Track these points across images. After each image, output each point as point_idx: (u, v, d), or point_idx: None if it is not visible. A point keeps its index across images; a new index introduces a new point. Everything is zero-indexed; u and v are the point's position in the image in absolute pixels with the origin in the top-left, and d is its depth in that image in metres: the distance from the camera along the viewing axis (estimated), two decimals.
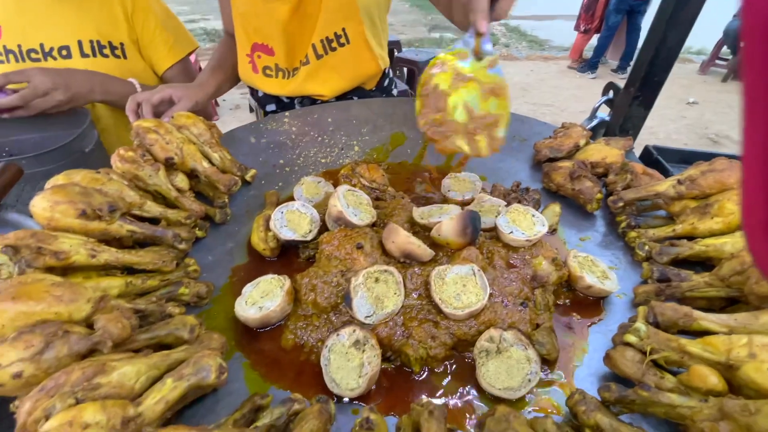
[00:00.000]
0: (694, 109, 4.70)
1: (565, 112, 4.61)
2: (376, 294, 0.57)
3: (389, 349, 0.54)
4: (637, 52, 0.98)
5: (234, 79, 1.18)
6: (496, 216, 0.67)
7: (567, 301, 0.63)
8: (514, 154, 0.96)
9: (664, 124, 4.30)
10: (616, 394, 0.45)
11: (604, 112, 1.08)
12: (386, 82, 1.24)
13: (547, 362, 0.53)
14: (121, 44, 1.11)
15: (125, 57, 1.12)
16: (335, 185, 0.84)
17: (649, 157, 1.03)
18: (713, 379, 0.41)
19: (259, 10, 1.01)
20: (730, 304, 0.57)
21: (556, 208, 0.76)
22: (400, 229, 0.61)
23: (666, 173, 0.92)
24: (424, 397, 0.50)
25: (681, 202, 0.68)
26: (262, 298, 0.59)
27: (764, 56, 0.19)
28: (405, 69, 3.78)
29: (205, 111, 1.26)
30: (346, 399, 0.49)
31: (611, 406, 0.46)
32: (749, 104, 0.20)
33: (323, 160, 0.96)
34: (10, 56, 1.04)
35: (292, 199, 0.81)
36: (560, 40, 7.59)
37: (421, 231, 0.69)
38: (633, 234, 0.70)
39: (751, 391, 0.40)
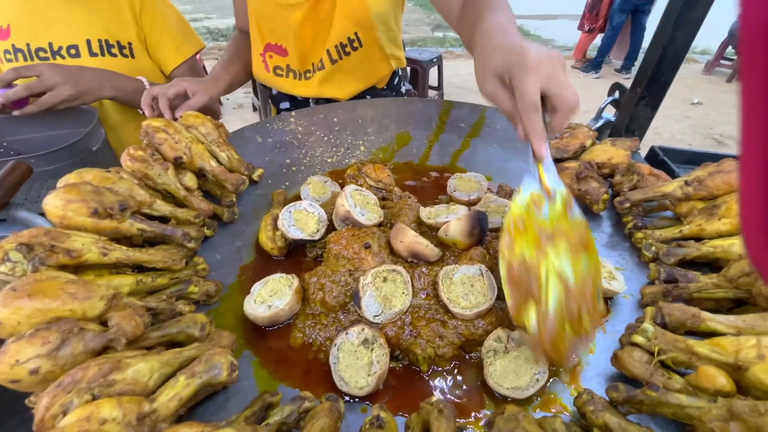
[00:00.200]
0: (699, 109, 4.68)
1: None
2: (384, 293, 0.57)
3: (397, 348, 0.55)
4: (642, 52, 0.98)
5: (246, 75, 1.19)
6: (503, 216, 0.67)
7: None
8: (520, 155, 0.96)
9: (669, 124, 4.29)
10: (624, 394, 0.45)
11: (610, 113, 1.08)
12: (396, 80, 1.25)
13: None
14: (129, 44, 1.12)
15: (133, 56, 1.13)
16: (342, 185, 0.84)
17: (655, 158, 1.03)
18: (722, 380, 0.41)
19: (274, 13, 1.02)
20: (737, 305, 0.57)
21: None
22: (408, 228, 0.61)
23: (672, 174, 0.91)
24: (436, 394, 0.50)
25: (688, 203, 0.68)
26: (270, 297, 0.59)
27: (763, 58, 0.19)
28: (408, 68, 3.78)
29: (212, 110, 1.26)
30: (355, 399, 0.50)
31: (619, 406, 0.46)
32: (747, 106, 0.20)
33: (329, 160, 0.97)
34: (19, 55, 1.05)
35: (299, 198, 0.82)
36: (563, 40, 7.56)
37: (428, 231, 0.69)
38: (639, 235, 0.70)
39: (760, 392, 0.40)
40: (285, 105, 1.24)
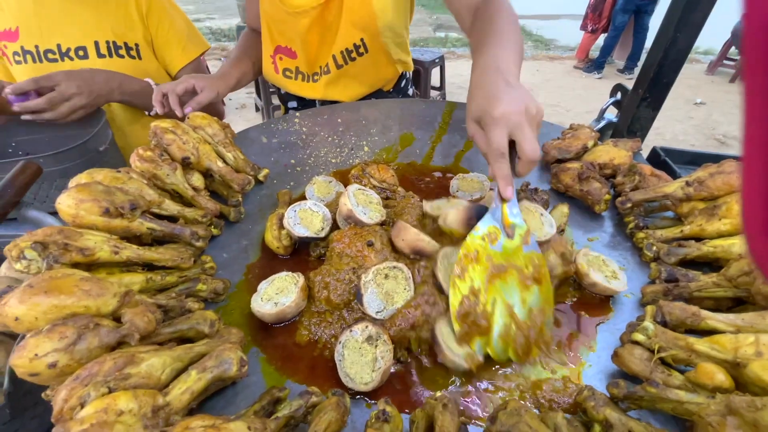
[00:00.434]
0: (702, 109, 4.67)
1: (571, 112, 4.60)
2: (386, 290, 0.58)
3: (400, 346, 0.56)
4: (644, 52, 0.99)
5: (254, 73, 1.21)
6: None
7: (575, 299, 0.64)
8: None
9: (671, 124, 4.28)
10: (625, 390, 0.46)
11: (612, 114, 1.09)
12: (403, 83, 1.27)
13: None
14: (136, 45, 1.13)
15: (140, 57, 1.14)
16: (346, 185, 0.85)
17: (656, 159, 1.04)
18: (720, 377, 0.42)
19: (283, 17, 1.04)
20: (737, 304, 0.58)
21: (564, 208, 0.77)
22: (409, 226, 0.63)
23: (673, 174, 0.92)
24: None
25: (689, 203, 0.69)
26: (277, 295, 0.61)
27: (766, 59, 0.19)
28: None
29: (217, 110, 1.28)
30: (357, 396, 0.51)
31: (620, 402, 0.47)
32: (750, 106, 0.20)
33: (333, 160, 0.98)
34: (28, 57, 1.06)
35: (303, 198, 0.83)
36: (566, 40, 7.55)
37: (430, 224, 0.70)
38: (641, 235, 0.71)
39: (758, 389, 0.41)
40: (293, 104, 1.28)
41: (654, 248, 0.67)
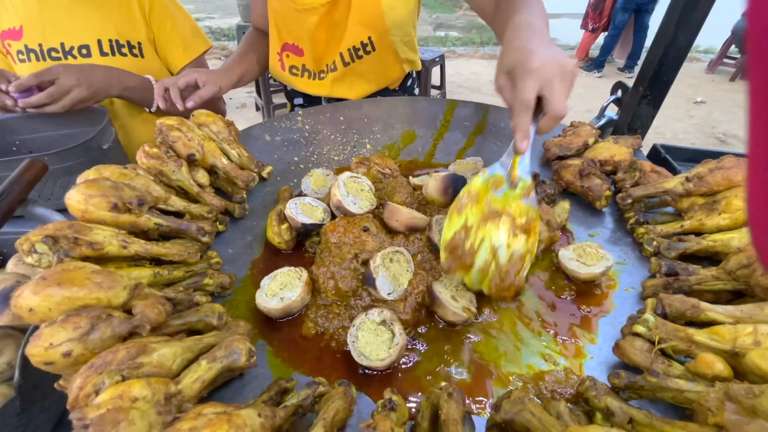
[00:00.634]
0: (702, 108, 4.68)
1: (572, 110, 4.58)
2: (393, 273, 0.62)
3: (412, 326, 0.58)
4: (644, 51, 1.00)
5: (258, 71, 1.21)
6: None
7: (573, 293, 0.64)
8: None
9: (671, 123, 4.29)
10: (626, 380, 0.47)
11: (612, 111, 1.10)
12: (409, 82, 1.28)
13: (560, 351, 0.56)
14: (139, 43, 1.14)
15: (142, 56, 1.15)
16: None
17: (657, 156, 1.04)
18: (719, 366, 0.43)
19: (291, 14, 1.05)
20: (736, 297, 0.59)
21: (565, 204, 0.78)
22: (400, 207, 0.67)
23: (674, 171, 0.93)
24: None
25: (689, 198, 0.70)
26: (281, 290, 0.62)
27: None
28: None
29: (218, 108, 1.29)
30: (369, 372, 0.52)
31: (621, 391, 0.48)
32: (755, 102, 0.20)
33: (336, 158, 0.99)
34: (32, 55, 1.07)
35: (302, 191, 0.84)
36: (566, 39, 7.55)
37: (420, 194, 0.77)
38: (641, 230, 0.72)
39: (756, 377, 0.42)
40: (299, 101, 1.28)
41: (654, 243, 0.68)
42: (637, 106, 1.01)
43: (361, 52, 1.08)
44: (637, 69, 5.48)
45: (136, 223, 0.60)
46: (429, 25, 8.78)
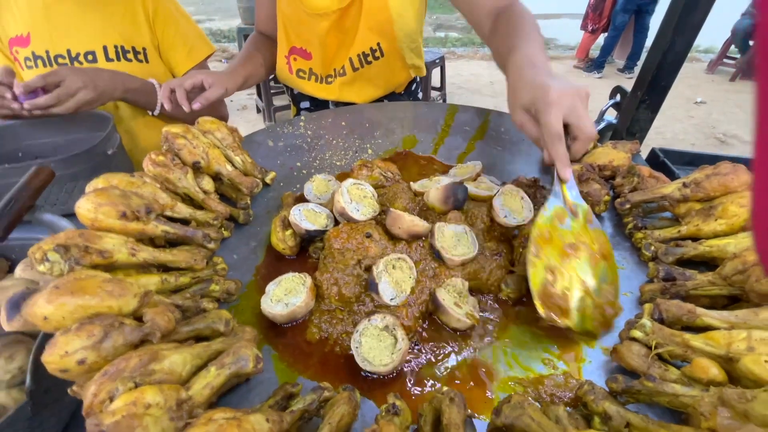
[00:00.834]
0: (702, 108, 4.68)
1: None
2: (395, 279, 0.63)
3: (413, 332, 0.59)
4: (644, 53, 1.01)
5: (263, 74, 1.23)
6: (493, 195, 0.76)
7: None
8: (524, 157, 0.99)
9: (671, 123, 4.29)
10: (623, 384, 0.48)
11: (611, 115, 1.11)
12: (414, 87, 1.29)
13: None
14: (144, 49, 1.15)
15: (147, 61, 1.17)
16: None
17: (655, 160, 1.05)
18: (714, 371, 0.44)
19: (302, 19, 1.06)
20: (732, 302, 0.60)
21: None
22: (403, 214, 0.68)
23: (672, 175, 0.94)
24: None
25: (686, 204, 0.71)
26: (286, 296, 0.63)
27: None
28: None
29: (220, 112, 1.30)
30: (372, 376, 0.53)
31: (618, 396, 0.49)
32: (762, 107, 0.20)
33: (338, 163, 1.00)
34: (39, 62, 1.09)
35: (303, 196, 0.86)
36: (566, 39, 7.56)
37: (420, 200, 0.78)
38: (639, 235, 0.73)
39: (750, 382, 0.43)
40: (305, 104, 1.30)
41: (652, 248, 0.69)
42: (636, 111, 1.02)
43: (370, 58, 1.10)
44: (637, 70, 5.51)
45: (144, 231, 0.62)
46: (429, 25, 8.80)
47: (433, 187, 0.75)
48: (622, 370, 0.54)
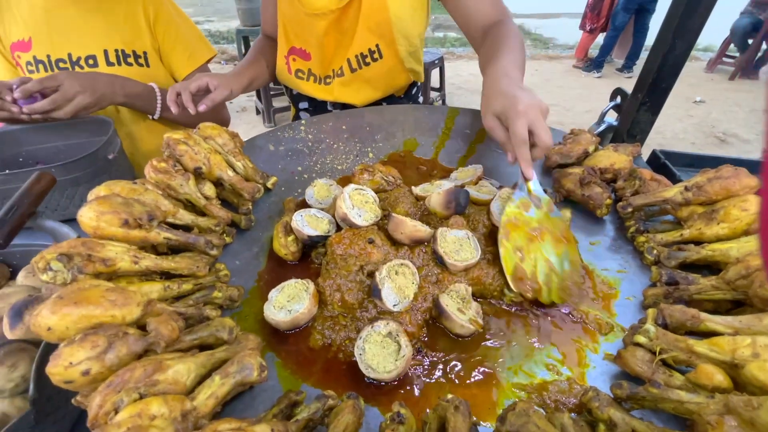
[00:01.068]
0: (701, 107, 4.69)
1: (571, 111, 4.61)
2: (398, 285, 0.62)
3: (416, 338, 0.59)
4: (644, 52, 1.02)
5: (268, 77, 1.23)
6: (483, 200, 0.78)
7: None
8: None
9: (671, 123, 4.29)
10: (628, 391, 0.48)
11: (612, 117, 1.11)
12: (414, 91, 1.29)
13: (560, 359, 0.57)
14: (144, 53, 1.15)
15: (148, 65, 1.16)
16: None
17: (656, 161, 1.06)
18: (719, 377, 0.44)
19: (301, 19, 1.06)
20: (735, 306, 0.60)
21: (566, 213, 0.78)
22: (405, 220, 0.68)
23: (673, 177, 0.94)
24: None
25: (688, 207, 0.71)
26: (289, 302, 0.63)
27: None
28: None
29: (222, 116, 1.30)
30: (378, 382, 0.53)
31: (623, 402, 0.49)
32: None
33: (339, 167, 1.00)
34: (40, 66, 1.09)
35: (305, 200, 0.86)
36: (564, 39, 7.57)
37: (423, 204, 0.79)
38: (642, 238, 0.73)
39: (755, 388, 0.43)
40: (304, 105, 1.30)
41: (655, 252, 0.69)
42: (637, 113, 1.02)
43: (368, 59, 1.10)
44: (636, 69, 5.51)
45: (147, 238, 0.62)
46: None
47: (435, 192, 0.75)
48: (626, 375, 0.54)
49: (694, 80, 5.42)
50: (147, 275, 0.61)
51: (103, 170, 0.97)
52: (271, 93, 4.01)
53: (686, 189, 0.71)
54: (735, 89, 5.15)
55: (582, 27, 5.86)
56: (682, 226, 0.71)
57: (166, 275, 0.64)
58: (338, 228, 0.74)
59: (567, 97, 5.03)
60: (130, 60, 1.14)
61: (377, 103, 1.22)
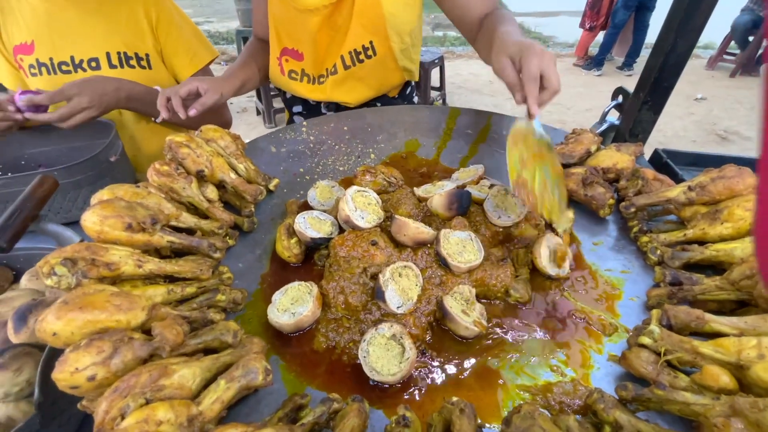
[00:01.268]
0: (702, 105, 4.67)
1: (572, 110, 4.60)
2: (402, 287, 0.63)
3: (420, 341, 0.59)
4: (644, 50, 1.01)
5: (260, 79, 1.22)
6: (484, 200, 0.78)
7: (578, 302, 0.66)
8: None
9: (672, 121, 4.28)
10: (633, 392, 0.48)
11: (614, 116, 1.10)
12: (408, 90, 1.29)
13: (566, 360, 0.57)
14: (147, 55, 1.15)
15: (150, 67, 1.16)
16: None
17: (658, 160, 1.05)
18: (725, 379, 0.44)
19: (293, 17, 1.06)
20: (740, 306, 0.60)
21: (569, 213, 0.78)
22: (408, 222, 0.68)
23: (675, 176, 0.94)
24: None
25: (692, 207, 0.71)
26: (292, 305, 0.63)
27: None
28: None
29: (223, 117, 1.30)
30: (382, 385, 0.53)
31: (628, 404, 0.49)
32: None
33: (341, 168, 1.00)
34: (43, 69, 1.09)
35: (307, 202, 0.86)
36: (564, 37, 7.55)
37: (425, 205, 0.79)
38: (645, 239, 0.72)
39: (761, 390, 0.43)
40: (297, 108, 1.29)
41: (658, 252, 0.69)
42: (638, 112, 1.02)
43: (362, 56, 1.09)
44: (636, 66, 5.50)
45: (150, 242, 0.62)
46: (427, 25, 8.78)
47: (437, 193, 0.75)
48: (630, 377, 0.54)
49: (695, 78, 5.40)
50: (151, 279, 0.61)
51: (105, 173, 0.97)
52: (272, 94, 4.00)
53: (689, 189, 0.70)
54: (736, 86, 5.14)
55: (582, 25, 5.84)
56: (686, 226, 0.71)
57: (170, 278, 0.64)
58: (341, 230, 0.74)
59: (567, 96, 5.02)
60: (133, 62, 1.14)
61: (372, 103, 1.21)
